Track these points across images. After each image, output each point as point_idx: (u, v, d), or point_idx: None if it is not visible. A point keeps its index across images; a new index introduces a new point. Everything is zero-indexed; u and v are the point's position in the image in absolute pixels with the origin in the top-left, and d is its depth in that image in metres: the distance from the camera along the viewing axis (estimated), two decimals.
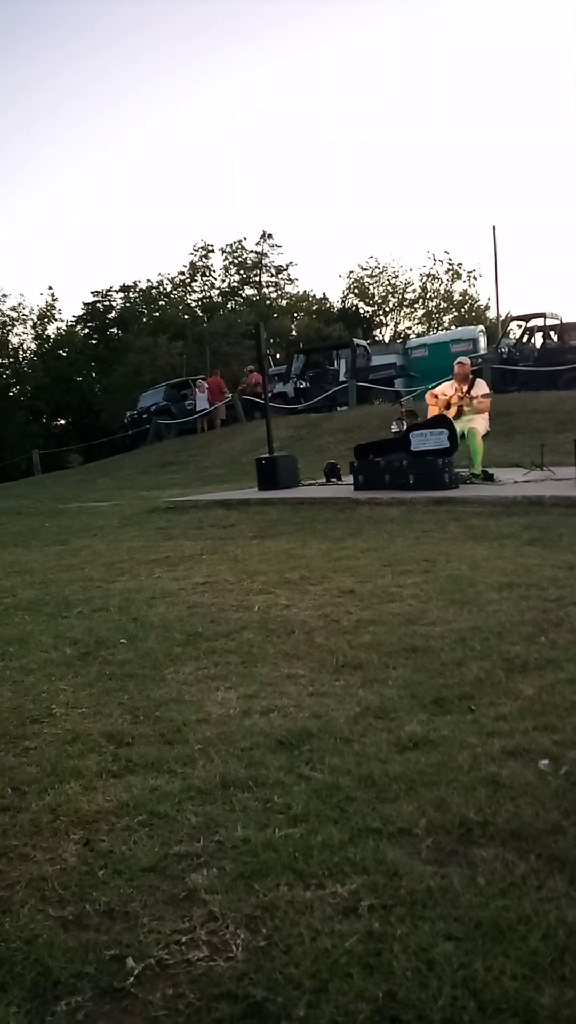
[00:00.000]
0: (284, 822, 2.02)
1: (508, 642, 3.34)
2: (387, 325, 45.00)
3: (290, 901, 1.71)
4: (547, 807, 2.01)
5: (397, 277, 44.60)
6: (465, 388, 9.23)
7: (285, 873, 1.81)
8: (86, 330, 41.42)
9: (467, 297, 44.39)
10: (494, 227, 33.72)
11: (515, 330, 20.34)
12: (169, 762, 2.44)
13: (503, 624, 3.58)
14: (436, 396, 9.39)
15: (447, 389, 9.39)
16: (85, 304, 41.30)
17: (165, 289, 42.06)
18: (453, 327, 38.36)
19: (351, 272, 45.44)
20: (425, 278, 44.36)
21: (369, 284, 44.92)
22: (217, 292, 42.18)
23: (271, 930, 1.63)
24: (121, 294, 41.32)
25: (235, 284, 42.61)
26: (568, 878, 1.73)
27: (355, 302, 44.79)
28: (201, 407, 21.08)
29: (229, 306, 40.50)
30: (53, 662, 3.61)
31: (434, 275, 44.28)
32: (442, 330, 39.29)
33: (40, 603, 4.88)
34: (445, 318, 44.13)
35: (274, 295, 43.22)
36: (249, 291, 42.73)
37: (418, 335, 38.12)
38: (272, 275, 42.88)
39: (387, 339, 41.03)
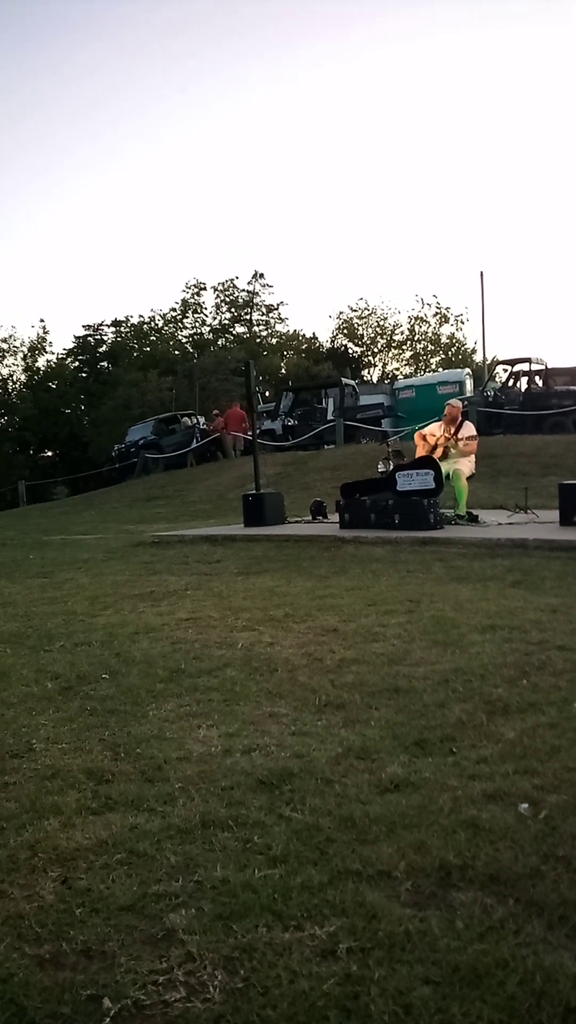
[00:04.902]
0: (264, 863, 2.02)
1: (490, 684, 3.35)
2: (375, 366, 45.55)
3: (268, 943, 1.70)
4: (526, 851, 2.01)
5: (386, 319, 45.31)
6: (453, 430, 9.35)
7: (264, 914, 1.80)
8: (76, 363, 41.61)
9: (454, 340, 45.05)
10: (481, 273, 34.36)
11: (501, 374, 20.61)
12: (149, 800, 2.43)
13: (486, 666, 3.60)
14: (425, 437, 9.50)
15: (436, 430, 9.50)
16: (76, 337, 41.59)
17: (156, 325, 42.47)
18: (440, 369, 38.90)
19: (341, 313, 46.00)
20: (413, 321, 45.08)
21: (358, 325, 45.54)
22: (208, 329, 42.66)
23: (249, 971, 1.62)
24: (112, 328, 41.68)
25: (226, 322, 43.09)
26: (546, 923, 1.73)
27: (344, 342, 45.33)
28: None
29: (219, 343, 40.87)
30: (34, 696, 3.59)
31: (422, 318, 45.01)
32: (429, 372, 39.80)
33: (22, 636, 4.85)
34: (432, 360, 44.73)
35: (264, 333, 43.68)
36: (240, 329, 43.18)
37: (406, 376, 38.55)
38: (263, 314, 43.42)
39: (375, 379, 41.48)
